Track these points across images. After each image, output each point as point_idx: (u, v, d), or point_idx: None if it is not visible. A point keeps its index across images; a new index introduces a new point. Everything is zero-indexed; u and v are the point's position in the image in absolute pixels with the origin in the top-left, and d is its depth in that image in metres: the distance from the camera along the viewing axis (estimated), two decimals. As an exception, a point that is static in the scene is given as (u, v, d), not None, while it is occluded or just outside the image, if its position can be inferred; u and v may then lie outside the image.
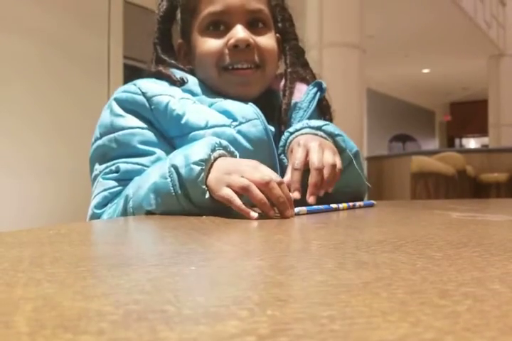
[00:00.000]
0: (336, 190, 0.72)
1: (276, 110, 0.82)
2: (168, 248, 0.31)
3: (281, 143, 0.75)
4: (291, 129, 0.74)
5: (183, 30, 0.83)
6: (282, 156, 0.76)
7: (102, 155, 0.74)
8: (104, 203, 0.70)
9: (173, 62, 0.82)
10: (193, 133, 0.72)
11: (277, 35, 0.85)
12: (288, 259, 0.26)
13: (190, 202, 0.59)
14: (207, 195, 0.58)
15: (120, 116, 0.74)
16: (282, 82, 0.86)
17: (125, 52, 3.45)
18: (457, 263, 0.24)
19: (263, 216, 0.53)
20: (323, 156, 0.65)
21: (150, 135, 0.73)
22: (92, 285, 0.20)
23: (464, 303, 0.17)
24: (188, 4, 0.80)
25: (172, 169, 0.60)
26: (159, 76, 0.79)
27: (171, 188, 0.60)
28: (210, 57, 0.77)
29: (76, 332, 0.14)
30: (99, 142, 0.75)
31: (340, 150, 0.72)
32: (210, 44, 0.77)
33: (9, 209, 2.72)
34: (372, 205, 0.71)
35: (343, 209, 0.63)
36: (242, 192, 0.55)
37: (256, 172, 0.56)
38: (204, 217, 0.53)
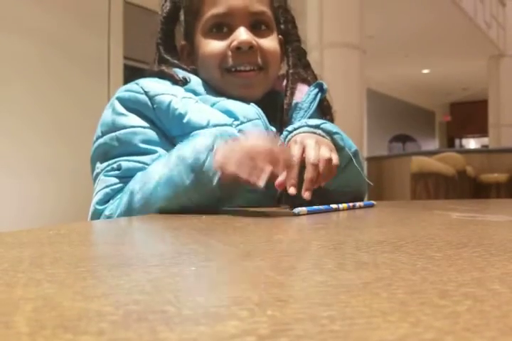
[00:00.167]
0: (335, 190, 0.73)
1: (278, 110, 0.83)
2: (169, 248, 0.31)
3: (279, 142, 0.76)
4: (289, 128, 0.74)
5: (186, 32, 0.83)
6: None
7: (104, 154, 0.75)
8: (105, 200, 0.70)
9: (175, 61, 0.82)
10: (194, 133, 0.72)
11: (280, 36, 0.85)
12: (288, 260, 0.26)
13: (198, 192, 0.61)
14: (215, 180, 0.60)
15: (122, 114, 0.75)
16: (284, 83, 0.86)
17: (125, 53, 3.45)
18: (457, 264, 0.24)
19: (269, 187, 0.56)
20: (320, 152, 0.64)
21: (152, 134, 0.74)
22: (92, 285, 0.20)
23: (464, 303, 0.17)
24: (191, 6, 0.80)
25: (179, 160, 0.62)
26: (162, 75, 0.80)
27: (179, 178, 0.61)
28: (213, 59, 0.77)
29: (76, 332, 0.14)
30: (101, 140, 0.75)
31: (339, 149, 0.71)
32: (213, 46, 0.77)
33: (9, 209, 2.72)
34: (372, 206, 0.71)
35: (343, 210, 0.63)
36: (251, 163, 0.56)
37: (257, 144, 0.58)
38: (204, 217, 0.53)
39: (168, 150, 0.71)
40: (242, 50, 0.76)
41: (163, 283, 0.20)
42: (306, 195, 0.61)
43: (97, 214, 0.70)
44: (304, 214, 0.55)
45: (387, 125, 10.30)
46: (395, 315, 0.15)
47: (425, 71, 9.53)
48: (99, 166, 0.74)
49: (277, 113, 0.82)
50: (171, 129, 0.74)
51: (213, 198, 0.61)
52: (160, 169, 0.65)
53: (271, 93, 0.83)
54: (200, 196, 0.61)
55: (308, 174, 0.62)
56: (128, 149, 0.72)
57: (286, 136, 0.73)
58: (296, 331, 0.14)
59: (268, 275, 0.22)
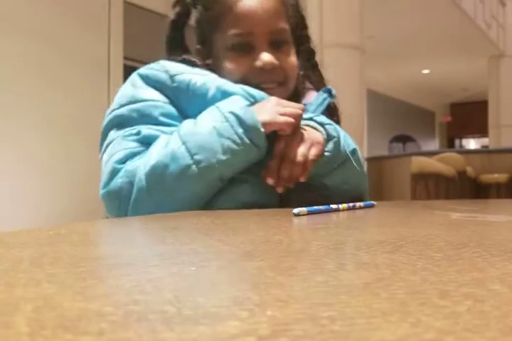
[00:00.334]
0: (334, 187, 0.75)
1: None
2: (169, 248, 0.31)
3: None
4: None
5: (202, 39, 0.84)
6: None
7: (120, 124, 0.74)
8: (124, 160, 0.70)
9: (193, 59, 0.83)
10: (230, 97, 0.74)
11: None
12: (288, 260, 0.26)
13: (249, 140, 0.68)
14: (263, 129, 0.68)
15: (142, 88, 0.76)
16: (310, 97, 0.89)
17: (125, 53, 3.45)
18: (457, 264, 0.24)
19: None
20: (299, 148, 0.71)
21: (171, 109, 0.75)
22: (92, 285, 0.20)
23: (464, 304, 0.17)
24: (209, 19, 0.81)
25: (228, 113, 0.68)
26: (184, 62, 0.81)
27: (232, 129, 0.67)
28: (235, 76, 0.78)
29: (76, 332, 0.14)
30: (118, 111, 0.75)
31: (330, 138, 0.75)
32: (236, 64, 0.79)
33: (6, 210, 2.72)
34: (372, 206, 0.71)
35: (343, 210, 0.63)
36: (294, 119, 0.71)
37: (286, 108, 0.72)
38: (204, 217, 0.53)
39: None
40: (264, 70, 0.78)
41: (163, 283, 0.20)
42: (279, 190, 0.71)
43: (115, 173, 0.69)
44: (304, 215, 0.55)
45: (388, 125, 10.30)
46: (395, 316, 0.15)
47: (425, 71, 9.53)
48: (115, 133, 0.74)
49: None
50: (188, 108, 0.75)
51: (262, 147, 0.70)
52: (207, 123, 0.68)
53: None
54: (253, 144, 0.68)
55: (283, 170, 0.71)
56: (147, 121, 0.73)
57: None
58: (296, 331, 0.14)
59: (268, 276, 0.22)
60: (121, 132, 0.72)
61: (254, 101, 0.73)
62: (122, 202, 0.69)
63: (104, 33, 3.26)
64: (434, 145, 12.59)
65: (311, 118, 0.76)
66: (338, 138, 0.76)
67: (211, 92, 0.74)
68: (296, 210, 0.54)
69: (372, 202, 0.73)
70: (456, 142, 13.57)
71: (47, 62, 2.91)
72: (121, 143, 0.71)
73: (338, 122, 0.88)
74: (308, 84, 0.89)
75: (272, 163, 0.71)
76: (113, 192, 0.69)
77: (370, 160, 5.18)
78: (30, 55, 2.83)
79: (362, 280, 0.21)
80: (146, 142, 0.70)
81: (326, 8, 4.08)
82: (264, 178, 0.71)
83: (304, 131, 0.73)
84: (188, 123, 0.70)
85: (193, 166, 0.66)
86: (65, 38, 3.00)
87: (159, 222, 0.53)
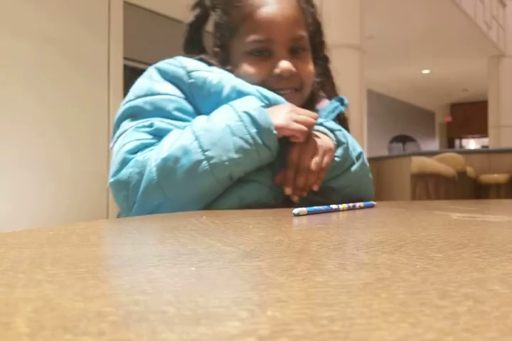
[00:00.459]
0: (338, 189, 0.77)
1: None
2: (169, 248, 0.30)
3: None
4: None
5: (221, 42, 0.85)
6: None
7: (134, 115, 0.75)
8: (135, 151, 0.70)
9: (210, 60, 0.83)
10: (243, 97, 0.75)
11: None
12: (288, 260, 0.26)
13: (262, 141, 0.69)
14: (275, 132, 0.70)
15: (159, 82, 0.76)
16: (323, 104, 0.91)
17: (125, 53, 3.45)
18: (457, 264, 0.24)
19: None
20: (312, 159, 0.73)
21: (186, 104, 0.75)
22: (92, 285, 0.20)
23: (464, 304, 0.17)
24: (229, 23, 0.82)
25: (243, 113, 0.69)
26: (201, 62, 0.81)
27: (245, 128, 0.68)
28: (253, 80, 0.79)
29: (76, 332, 0.14)
30: (133, 103, 0.75)
31: (339, 144, 0.77)
32: (255, 69, 0.79)
33: (6, 209, 2.72)
34: (372, 206, 0.71)
35: (343, 210, 0.63)
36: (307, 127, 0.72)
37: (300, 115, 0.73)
38: (204, 217, 0.53)
39: None
40: (282, 77, 0.79)
41: (163, 284, 0.20)
42: (295, 198, 0.73)
43: (125, 163, 0.70)
44: (303, 215, 0.55)
45: (388, 125, 10.30)
46: (395, 316, 0.15)
47: (425, 72, 9.53)
48: (128, 124, 0.74)
49: None
50: (201, 105, 0.76)
51: (274, 148, 0.70)
52: (221, 122, 0.69)
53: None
54: (264, 146, 0.69)
55: (297, 181, 0.73)
56: (161, 114, 0.73)
57: None
58: (296, 331, 0.14)
59: (268, 276, 0.22)
60: (134, 123, 0.73)
61: (268, 103, 0.74)
62: (130, 192, 0.69)
63: (104, 33, 3.26)
64: (434, 145, 12.59)
65: (321, 124, 0.78)
66: (347, 144, 0.78)
67: (226, 91, 0.74)
68: (296, 210, 0.54)
69: (372, 202, 0.73)
70: (456, 142, 13.57)
71: (47, 62, 2.91)
72: (133, 134, 0.72)
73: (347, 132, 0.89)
74: (321, 93, 0.90)
75: (288, 173, 0.73)
76: (121, 182, 0.70)
77: (370, 160, 5.16)
78: (30, 55, 2.83)
79: (362, 280, 0.21)
80: (158, 135, 0.71)
81: (326, 9, 4.07)
82: (277, 182, 0.73)
83: (316, 138, 0.74)
84: (201, 119, 0.71)
85: (204, 162, 0.66)
86: (65, 38, 3.00)
87: (159, 222, 0.53)
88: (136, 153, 0.70)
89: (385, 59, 8.03)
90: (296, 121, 0.71)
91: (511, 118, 7.67)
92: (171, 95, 0.74)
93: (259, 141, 0.68)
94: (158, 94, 0.74)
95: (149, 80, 0.77)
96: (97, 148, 3.12)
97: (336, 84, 0.93)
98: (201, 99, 0.75)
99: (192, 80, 0.75)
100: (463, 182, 3.69)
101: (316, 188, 0.74)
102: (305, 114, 0.73)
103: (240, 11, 0.79)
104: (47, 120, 2.90)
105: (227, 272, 0.23)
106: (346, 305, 0.17)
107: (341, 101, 0.87)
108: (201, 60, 0.81)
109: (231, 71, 0.81)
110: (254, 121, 0.69)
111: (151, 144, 0.70)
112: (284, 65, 0.78)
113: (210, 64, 0.80)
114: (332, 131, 0.78)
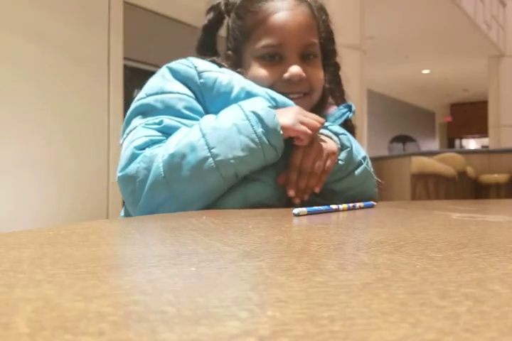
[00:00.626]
0: (340, 192, 0.78)
1: None
2: (169, 249, 0.30)
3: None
4: None
5: (234, 46, 0.86)
6: None
7: (144, 113, 0.76)
8: (143, 147, 0.71)
9: (223, 63, 0.85)
10: (252, 98, 0.76)
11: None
12: (288, 260, 0.26)
13: (268, 141, 0.69)
14: (281, 132, 0.70)
15: (170, 81, 0.77)
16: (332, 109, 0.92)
17: (125, 53, 3.45)
18: (457, 264, 0.24)
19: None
20: (314, 162, 0.74)
21: (195, 103, 0.76)
22: (92, 286, 0.20)
23: (464, 304, 0.17)
24: (243, 27, 0.83)
25: (250, 112, 0.70)
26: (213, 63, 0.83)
27: (252, 128, 0.69)
28: (263, 84, 0.80)
29: (76, 333, 0.14)
30: (144, 101, 0.77)
31: (343, 148, 0.78)
32: (265, 73, 0.81)
33: (10, 210, 2.72)
34: (372, 206, 0.71)
35: (343, 210, 0.63)
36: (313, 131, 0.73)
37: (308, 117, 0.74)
38: (204, 217, 0.53)
39: None
40: (292, 81, 0.80)
41: (163, 284, 0.20)
42: (296, 200, 0.74)
43: (133, 158, 0.71)
44: (303, 215, 0.55)
45: (388, 125, 10.30)
46: (395, 316, 0.15)
47: (425, 71, 9.53)
48: (138, 121, 0.75)
49: None
50: (211, 105, 0.77)
51: (280, 148, 0.72)
52: (228, 120, 0.70)
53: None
54: (270, 145, 0.70)
55: (299, 182, 0.74)
56: (170, 112, 0.74)
57: None
58: (296, 331, 0.14)
59: (268, 276, 0.22)
60: (144, 120, 0.74)
61: (275, 105, 0.74)
62: (137, 187, 0.70)
63: (104, 33, 3.26)
64: (434, 145, 12.59)
65: (326, 127, 0.78)
66: (351, 147, 0.79)
67: (235, 92, 0.76)
68: (296, 210, 0.54)
69: (372, 202, 0.73)
70: (456, 142, 13.56)
71: (47, 62, 2.91)
72: (142, 130, 0.73)
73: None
74: (330, 99, 0.92)
75: (291, 175, 0.74)
76: (129, 176, 0.71)
77: (370, 160, 5.17)
78: (30, 54, 2.83)
79: (362, 280, 0.21)
80: (167, 132, 0.72)
81: (326, 9, 4.07)
82: (279, 183, 0.74)
83: (320, 141, 0.76)
84: (209, 118, 0.72)
85: (210, 159, 0.67)
86: (65, 38, 3.00)
87: (159, 222, 0.53)
88: (144, 149, 0.71)
89: (385, 59, 8.03)
90: (303, 123, 0.72)
91: (511, 118, 7.67)
92: (181, 94, 0.76)
93: (265, 140, 0.69)
94: (169, 92, 0.76)
95: (161, 79, 0.78)
96: (97, 147, 3.12)
97: (345, 91, 0.94)
98: (211, 99, 0.77)
99: (202, 80, 0.77)
100: (463, 182, 3.69)
101: (317, 190, 0.75)
102: (312, 118, 0.74)
103: (254, 16, 0.81)
104: (47, 120, 2.90)
105: (227, 272, 0.23)
106: (346, 305, 0.17)
107: (349, 108, 0.88)
108: (213, 61, 0.83)
109: (241, 74, 0.82)
110: (261, 121, 0.69)
111: (160, 141, 0.71)
112: (294, 69, 0.79)
113: (221, 66, 0.81)
114: (336, 134, 0.79)
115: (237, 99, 0.75)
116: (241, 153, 0.68)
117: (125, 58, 3.48)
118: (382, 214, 0.64)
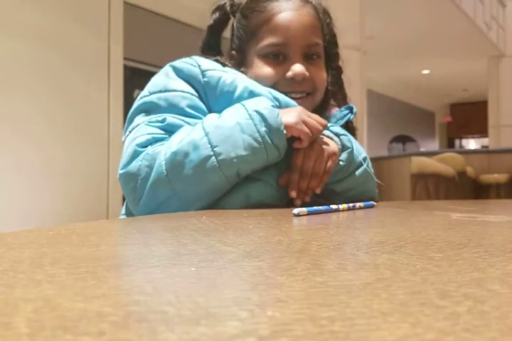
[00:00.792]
0: (342, 193, 0.78)
1: None
2: (169, 249, 0.31)
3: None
4: None
5: (238, 45, 0.86)
6: None
7: (148, 110, 0.77)
8: (145, 144, 0.71)
9: (226, 63, 0.85)
10: (255, 98, 0.76)
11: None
12: (288, 260, 0.26)
13: (270, 140, 0.69)
14: (285, 132, 0.70)
15: (174, 79, 0.78)
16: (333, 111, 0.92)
17: (125, 54, 3.45)
18: (457, 264, 0.24)
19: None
20: (316, 163, 0.74)
21: (198, 102, 0.77)
22: (92, 286, 0.20)
23: (464, 304, 0.17)
24: (248, 26, 0.83)
25: (253, 112, 0.70)
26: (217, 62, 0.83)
27: (255, 127, 0.69)
28: (266, 83, 0.80)
29: (76, 333, 0.14)
30: (147, 98, 0.77)
31: (343, 149, 0.79)
32: (268, 71, 0.81)
33: (19, 210, 2.72)
34: (372, 206, 0.71)
35: (343, 210, 0.63)
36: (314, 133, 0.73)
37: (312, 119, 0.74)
38: (204, 217, 0.53)
39: None
40: (295, 80, 0.80)
41: (163, 284, 0.20)
42: (297, 202, 0.74)
43: (136, 156, 0.71)
44: (303, 215, 0.55)
45: (388, 126, 10.30)
46: (395, 316, 0.15)
47: (425, 72, 9.53)
48: (141, 119, 0.76)
49: None
50: (214, 105, 0.77)
51: (283, 147, 0.72)
52: (231, 119, 0.70)
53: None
54: (273, 145, 0.70)
55: (300, 183, 0.74)
56: (174, 110, 0.75)
57: None
58: (296, 331, 0.14)
59: (268, 276, 0.22)
60: (147, 118, 0.75)
61: (278, 105, 0.75)
62: (139, 185, 0.70)
63: (104, 33, 3.26)
64: (434, 145, 12.59)
65: (327, 128, 0.79)
66: (352, 148, 0.79)
67: (238, 91, 0.76)
68: (296, 210, 0.54)
69: (372, 202, 0.73)
70: (456, 142, 13.56)
71: (46, 62, 2.91)
72: (145, 128, 0.73)
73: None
74: (332, 101, 0.92)
75: (293, 176, 0.74)
76: (131, 174, 0.71)
77: (370, 160, 5.17)
78: (30, 55, 2.83)
79: (362, 280, 0.21)
80: (170, 130, 0.72)
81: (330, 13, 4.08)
82: (281, 184, 0.75)
83: (321, 142, 0.76)
84: (212, 117, 0.72)
85: (213, 158, 0.67)
86: (65, 38, 3.00)
87: (159, 222, 0.53)
88: (146, 146, 0.71)
89: (385, 59, 8.03)
90: (305, 123, 0.72)
91: (511, 118, 7.67)
92: (184, 92, 0.76)
93: (268, 139, 0.69)
94: (173, 90, 0.76)
95: (165, 77, 0.78)
96: (97, 147, 3.12)
97: (347, 95, 0.94)
98: (214, 98, 0.77)
99: (206, 79, 0.77)
100: (463, 182, 3.69)
101: (318, 191, 0.75)
102: (315, 119, 0.75)
103: (259, 15, 0.81)
104: (46, 121, 2.90)
105: (227, 272, 0.23)
106: (346, 305, 0.17)
107: (351, 110, 0.88)
108: (217, 61, 0.83)
109: (245, 73, 0.82)
110: (264, 120, 0.70)
111: (162, 139, 0.71)
112: (298, 68, 0.80)
113: (224, 65, 0.82)
114: (337, 135, 0.80)
115: (240, 99, 0.75)
116: (244, 152, 0.68)
117: (125, 58, 3.48)
118: (382, 214, 0.64)
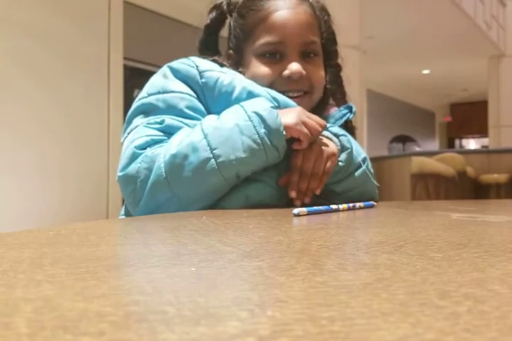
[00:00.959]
0: (342, 193, 0.78)
1: None
2: (169, 249, 0.30)
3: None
4: None
5: (235, 45, 0.86)
6: None
7: (146, 112, 0.76)
8: (144, 147, 0.71)
9: (224, 62, 0.85)
10: (253, 98, 0.76)
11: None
12: (288, 260, 0.26)
13: (270, 142, 0.69)
14: (284, 133, 0.70)
15: (172, 80, 0.77)
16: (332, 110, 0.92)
17: (125, 53, 3.45)
18: (457, 264, 0.24)
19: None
20: (315, 164, 0.74)
21: (197, 103, 0.76)
22: (92, 286, 0.20)
23: (464, 304, 0.17)
24: (245, 25, 0.83)
25: (252, 113, 0.70)
26: (215, 62, 0.83)
27: (254, 129, 0.69)
28: (263, 82, 0.80)
29: (76, 333, 0.14)
30: (145, 100, 0.77)
31: (343, 149, 0.79)
32: (265, 70, 0.81)
33: (15, 210, 2.72)
34: (372, 206, 0.71)
35: (343, 210, 0.63)
36: (314, 133, 0.73)
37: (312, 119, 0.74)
38: (204, 217, 0.53)
39: None
40: (292, 79, 0.80)
41: (163, 284, 0.20)
42: (297, 202, 0.74)
43: (134, 158, 0.71)
44: (303, 215, 0.55)
45: (387, 126, 10.29)
46: (394, 316, 0.15)
47: (425, 71, 9.52)
48: (139, 120, 0.75)
49: None
50: (212, 105, 0.77)
51: (282, 148, 0.71)
52: (230, 121, 0.69)
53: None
54: (272, 146, 0.69)
55: (300, 184, 0.74)
56: (172, 112, 0.74)
57: None
58: (296, 331, 0.14)
59: (268, 276, 0.22)
60: (146, 120, 0.74)
61: (277, 106, 0.74)
62: (138, 187, 0.70)
63: (104, 33, 3.26)
64: (434, 145, 12.58)
65: (326, 129, 0.79)
66: (351, 149, 0.79)
67: (236, 92, 0.76)
68: (296, 210, 0.54)
69: (372, 202, 0.73)
70: (456, 142, 13.56)
71: (46, 62, 2.91)
72: (144, 130, 0.73)
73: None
74: (331, 100, 0.92)
75: (292, 176, 0.74)
76: (130, 176, 0.70)
77: (370, 160, 5.17)
78: (30, 55, 2.83)
79: (362, 280, 0.21)
80: (168, 131, 0.72)
81: (328, 10, 4.07)
82: (280, 184, 0.75)
83: (320, 143, 0.76)
84: (211, 118, 0.72)
85: (212, 160, 0.67)
86: (65, 38, 3.00)
87: (159, 222, 0.53)
88: (145, 148, 0.71)
89: (385, 59, 8.02)
90: (305, 124, 0.72)
91: (511, 118, 7.67)
92: (183, 93, 0.76)
93: (267, 141, 0.69)
94: (171, 91, 0.75)
95: (163, 78, 0.78)
96: (97, 147, 3.11)
97: (346, 93, 0.94)
98: (212, 99, 0.77)
99: (204, 80, 0.77)
100: (463, 182, 3.69)
101: (318, 192, 0.75)
102: (314, 120, 0.74)
103: (255, 14, 0.81)
104: (46, 120, 2.90)
105: (227, 272, 0.23)
106: (346, 305, 0.17)
107: (350, 109, 0.88)
108: (214, 61, 0.82)
109: (243, 73, 0.82)
110: (263, 121, 0.69)
111: (161, 140, 0.71)
112: (294, 66, 0.79)
113: (222, 65, 0.81)
114: (337, 135, 0.79)
115: (238, 99, 0.75)
116: (243, 154, 0.68)
117: (125, 58, 3.48)
118: (382, 214, 0.64)
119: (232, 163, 0.67)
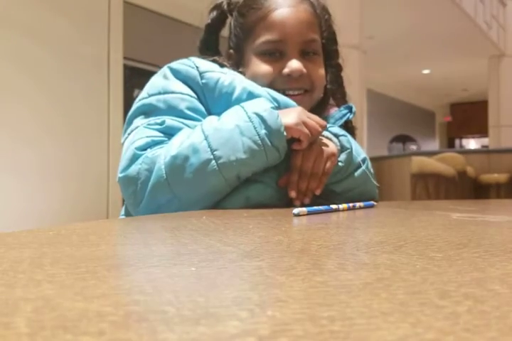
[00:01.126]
0: (342, 193, 0.78)
1: None
2: (169, 249, 0.30)
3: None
4: None
5: (236, 44, 0.86)
6: None
7: (147, 113, 0.76)
8: (145, 148, 0.71)
9: (224, 62, 0.84)
10: (254, 99, 0.76)
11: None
12: (288, 260, 0.26)
13: (270, 142, 0.69)
14: (285, 133, 0.70)
15: (173, 81, 0.77)
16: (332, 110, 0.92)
17: (125, 53, 3.45)
18: (457, 264, 0.24)
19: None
20: (314, 164, 0.74)
21: (197, 104, 0.76)
22: (92, 285, 0.20)
23: (464, 304, 0.17)
24: (245, 24, 0.83)
25: (252, 114, 0.70)
26: (215, 63, 0.83)
27: (255, 129, 0.68)
28: (263, 80, 0.80)
29: (76, 332, 0.14)
30: (146, 100, 0.77)
31: (343, 150, 0.78)
32: (265, 69, 0.80)
33: (14, 210, 2.72)
34: (372, 206, 0.71)
35: (343, 210, 0.63)
36: (314, 133, 0.73)
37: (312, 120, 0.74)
38: (204, 217, 0.53)
39: None
40: (292, 77, 0.80)
41: (163, 284, 0.20)
42: (297, 202, 0.74)
43: (135, 159, 0.71)
44: (303, 215, 0.55)
45: (388, 125, 10.29)
46: (394, 316, 0.15)
47: (425, 71, 9.52)
48: (140, 121, 0.75)
49: None
50: (213, 106, 0.77)
51: (283, 149, 0.71)
52: (231, 122, 0.69)
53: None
54: (273, 147, 0.69)
55: (300, 184, 0.74)
56: (173, 113, 0.74)
57: None
58: (296, 331, 0.14)
59: (268, 276, 0.22)
60: (146, 120, 0.74)
61: (277, 106, 0.74)
62: (139, 189, 0.70)
63: (104, 32, 3.26)
64: (434, 145, 12.58)
65: (326, 129, 0.78)
66: (351, 149, 0.79)
67: (237, 92, 0.75)
68: (296, 210, 0.54)
69: (372, 202, 0.73)
70: (456, 142, 13.56)
71: (46, 62, 2.91)
72: (144, 130, 0.73)
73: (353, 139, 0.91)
74: (330, 100, 0.91)
75: (292, 176, 0.74)
76: (130, 178, 0.70)
77: (370, 160, 5.17)
78: (29, 55, 2.83)
79: (362, 280, 0.21)
80: (169, 132, 0.72)
81: (329, 9, 4.07)
82: (280, 185, 0.75)
83: (320, 143, 0.76)
84: (211, 119, 0.72)
85: (213, 161, 0.67)
86: (65, 38, 3.00)
87: (159, 222, 0.53)
88: (145, 149, 0.71)
89: (385, 59, 8.02)
90: (305, 124, 0.72)
91: (511, 118, 7.67)
92: (184, 94, 0.75)
93: (267, 142, 0.69)
94: (172, 92, 0.75)
95: (163, 79, 0.78)
96: (97, 147, 3.11)
97: (346, 93, 0.94)
98: (212, 100, 0.76)
99: (204, 81, 0.76)
100: (463, 182, 3.69)
101: (318, 192, 0.75)
102: (315, 120, 0.74)
103: (255, 12, 0.81)
104: (46, 120, 2.90)
105: (227, 272, 0.23)
106: (346, 305, 0.17)
107: (350, 109, 0.88)
108: (214, 61, 0.82)
109: (243, 73, 0.82)
110: (263, 122, 0.69)
111: (162, 142, 0.71)
112: (294, 64, 0.79)
113: (222, 65, 0.81)
114: (336, 136, 0.79)
115: (239, 100, 0.75)
116: (243, 156, 0.68)
117: (125, 58, 3.48)
118: (382, 214, 0.64)
119: (232, 164, 0.67)
